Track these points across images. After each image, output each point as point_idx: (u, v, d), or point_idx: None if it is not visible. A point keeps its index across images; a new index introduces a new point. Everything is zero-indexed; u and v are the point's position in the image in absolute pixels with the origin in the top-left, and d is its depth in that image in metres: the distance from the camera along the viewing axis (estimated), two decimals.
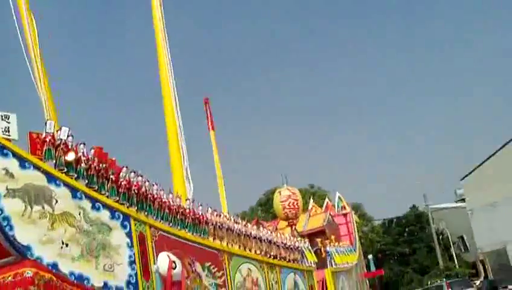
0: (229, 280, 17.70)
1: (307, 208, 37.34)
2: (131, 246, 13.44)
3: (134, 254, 13.45)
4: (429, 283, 42.55)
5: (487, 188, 46.48)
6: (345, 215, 38.31)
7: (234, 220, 20.04)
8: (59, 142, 12.63)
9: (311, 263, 24.83)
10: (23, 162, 11.24)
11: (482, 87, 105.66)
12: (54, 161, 12.32)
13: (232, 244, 18.86)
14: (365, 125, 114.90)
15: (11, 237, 10.52)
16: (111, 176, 13.72)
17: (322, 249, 28.21)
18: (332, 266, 27.51)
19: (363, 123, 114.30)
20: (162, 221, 15.28)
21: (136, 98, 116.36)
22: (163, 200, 15.67)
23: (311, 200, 41.91)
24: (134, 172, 14.66)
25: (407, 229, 61.54)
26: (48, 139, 12.40)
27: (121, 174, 14.11)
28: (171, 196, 16.36)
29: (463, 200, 56.11)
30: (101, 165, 13.48)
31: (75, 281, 11.43)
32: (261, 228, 22.56)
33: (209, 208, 18.42)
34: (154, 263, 13.99)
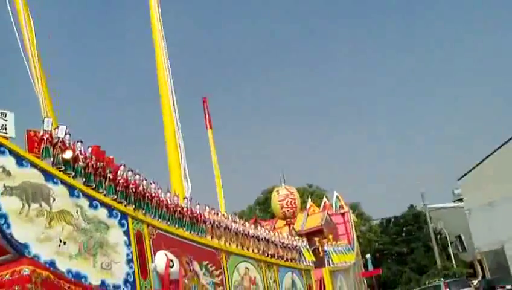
0: (226, 279, 17.72)
1: (305, 207, 37.35)
2: (128, 245, 13.46)
3: (131, 252, 13.47)
4: (427, 282, 42.54)
5: (485, 188, 46.50)
6: (342, 214, 38.30)
7: (232, 219, 20.05)
8: (56, 140, 12.63)
9: (309, 262, 24.86)
10: (20, 160, 11.24)
11: (480, 87, 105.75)
12: (52, 159, 12.32)
13: (229, 243, 18.88)
14: (363, 125, 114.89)
15: (8, 235, 10.52)
16: (108, 175, 13.73)
17: (320, 248, 28.21)
18: (330, 265, 27.51)
19: (361, 123, 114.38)
20: (159, 219, 15.30)
21: (135, 98, 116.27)
22: (161, 198, 15.69)
23: (309, 200, 41.91)
24: (132, 170, 14.68)
25: (405, 229, 61.58)
26: (45, 137, 12.41)
27: (118, 172, 14.12)
28: (168, 194, 16.38)
29: (461, 199, 56.12)
30: (98, 163, 13.49)
31: (72, 279, 11.44)
32: (259, 227, 22.57)
33: (207, 207, 18.44)
34: (152, 262, 14.02)
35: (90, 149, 13.56)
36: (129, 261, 13.31)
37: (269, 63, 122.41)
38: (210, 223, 17.99)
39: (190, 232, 16.64)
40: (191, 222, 16.87)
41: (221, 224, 18.67)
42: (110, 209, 13.25)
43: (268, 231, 22.69)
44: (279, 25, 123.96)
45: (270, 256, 21.35)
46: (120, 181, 14.02)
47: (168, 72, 21.87)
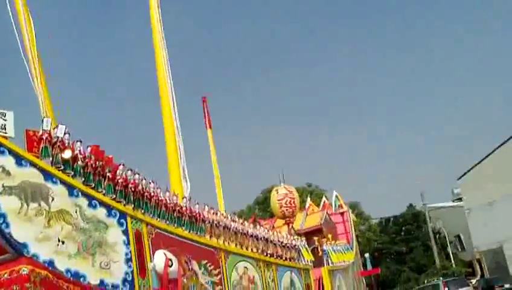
0: (225, 278, 17.75)
1: (304, 207, 37.38)
2: (127, 244, 13.49)
3: (130, 251, 13.50)
4: (426, 281, 42.52)
5: (484, 187, 46.55)
6: (342, 214, 38.30)
7: (231, 218, 20.08)
8: (56, 139, 12.65)
9: (307, 261, 24.89)
10: (19, 159, 11.26)
11: (480, 87, 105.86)
12: (51, 159, 12.34)
13: (228, 243, 18.91)
14: (363, 125, 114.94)
15: (7, 234, 10.54)
16: (108, 174, 13.76)
17: (319, 247, 28.22)
18: (329, 264, 27.53)
19: (361, 123, 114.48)
20: (158, 219, 15.33)
21: (135, 98, 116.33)
22: (160, 198, 15.71)
23: (309, 199, 41.94)
24: (131, 170, 14.71)
25: (404, 228, 61.63)
26: (44, 137, 12.43)
27: (117, 172, 14.15)
28: (167, 194, 16.40)
29: (460, 199, 56.21)
30: (97, 162, 13.51)
31: (71, 279, 11.47)
32: (258, 226, 22.59)
33: (206, 206, 18.46)
34: (151, 261, 14.05)
35: (89, 149, 13.58)
36: (128, 260, 13.34)
37: (269, 62, 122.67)
38: (209, 222, 18.01)
39: (189, 232, 16.67)
40: (190, 221, 16.90)
41: (220, 223, 18.70)
42: (109, 208, 13.28)
43: (267, 231, 22.71)
44: (279, 25, 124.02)
45: (269, 255, 21.38)
46: (119, 180, 14.05)
47: (167, 72, 21.90)
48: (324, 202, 39.72)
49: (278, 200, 30.31)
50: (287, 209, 30.06)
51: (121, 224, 13.48)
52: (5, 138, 11.19)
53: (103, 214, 13.04)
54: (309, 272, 24.58)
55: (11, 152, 11.14)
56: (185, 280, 15.08)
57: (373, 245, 60.61)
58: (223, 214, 19.73)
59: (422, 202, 57.83)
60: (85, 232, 12.28)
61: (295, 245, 24.06)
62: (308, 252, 25.34)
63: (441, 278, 40.37)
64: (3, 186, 10.72)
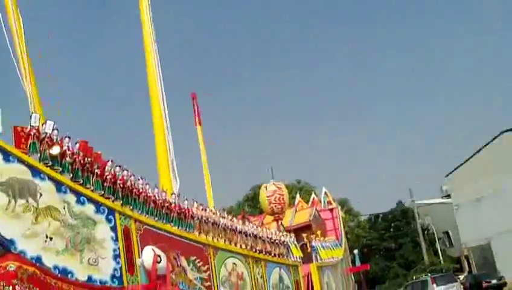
0: (214, 274, 17.77)
1: (294, 203, 37.50)
2: (116, 240, 13.48)
3: (119, 247, 13.48)
4: (414, 277, 42.77)
5: (472, 184, 46.88)
6: (331, 210, 38.50)
7: (220, 214, 20.09)
8: (44, 135, 12.61)
9: (296, 257, 24.96)
10: (7, 155, 11.21)
11: (466, 86, 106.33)
12: (39, 155, 12.31)
13: (217, 239, 18.93)
14: (352, 123, 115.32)
15: None
16: (96, 170, 13.74)
17: (308, 244, 28.34)
18: (317, 261, 27.66)
19: (351, 120, 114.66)
20: (147, 215, 15.32)
21: (125, 95, 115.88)
22: (149, 194, 15.70)
23: (298, 196, 42.06)
24: (120, 166, 14.69)
25: (393, 225, 61.91)
26: (32, 133, 12.39)
27: (106, 168, 14.13)
28: (156, 190, 16.40)
29: (448, 196, 56.53)
30: (86, 159, 13.48)
31: (59, 275, 11.43)
32: (247, 223, 22.63)
33: (195, 203, 18.48)
34: (139, 257, 14.04)
35: (77, 145, 13.55)
36: (116, 256, 13.33)
37: (262, 60, 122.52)
38: (198, 218, 18.02)
39: (178, 228, 16.68)
40: (179, 218, 16.90)
41: (209, 219, 18.71)
42: (98, 205, 13.25)
43: (256, 227, 22.76)
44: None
45: (257, 252, 21.42)
46: (107, 177, 14.03)
47: (157, 70, 21.85)
48: (313, 199, 39.90)
49: (267, 196, 30.33)
50: (276, 206, 30.09)
51: (109, 220, 13.47)
52: None
53: (91, 210, 13.01)
54: (298, 269, 24.65)
55: None
56: (173, 276, 15.10)
57: (362, 241, 60.89)
58: (211, 211, 19.73)
59: (411, 199, 58.12)
60: (73, 228, 12.25)
61: (284, 241, 24.12)
62: (297, 248, 25.41)
63: (429, 274, 40.56)
64: None
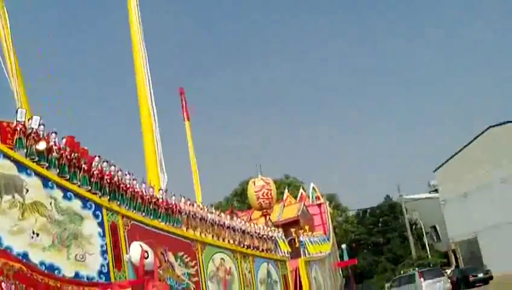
0: (201, 270, 17.75)
1: (282, 198, 37.52)
2: (103, 236, 13.41)
3: (106, 243, 13.41)
4: (402, 272, 43.09)
5: (459, 179, 47.23)
6: (319, 205, 38.54)
7: (207, 209, 20.07)
8: (30, 131, 12.52)
9: (284, 252, 24.99)
10: None
11: (453, 80, 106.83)
12: (25, 150, 12.22)
13: (205, 234, 18.89)
14: (340, 117, 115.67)
15: None
16: (83, 166, 13.65)
17: (296, 239, 28.37)
18: (305, 255, 27.69)
19: (337, 115, 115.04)
20: (134, 211, 15.25)
21: (112, 90, 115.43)
22: (136, 190, 15.63)
23: (286, 191, 42.09)
24: (107, 162, 14.62)
25: (381, 220, 62.26)
26: (18, 128, 12.29)
27: (93, 163, 14.05)
28: (144, 185, 16.34)
29: (436, 190, 56.92)
30: (72, 154, 13.39)
31: (45, 271, 11.37)
32: (235, 218, 22.62)
33: (183, 198, 18.44)
34: (127, 253, 14.00)
35: (64, 140, 13.47)
36: (103, 252, 13.27)
37: (248, 52, 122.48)
38: (185, 214, 17.97)
39: (165, 223, 16.62)
40: (166, 213, 16.85)
41: (197, 215, 18.67)
42: (85, 200, 13.18)
43: (244, 222, 22.75)
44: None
45: (245, 247, 21.41)
46: (94, 172, 13.95)
47: (145, 64, 21.75)
48: (301, 194, 39.92)
49: (255, 191, 30.31)
50: (264, 201, 30.09)
51: (96, 216, 13.40)
52: None
53: (78, 206, 12.94)
54: (286, 264, 24.67)
55: None
56: (161, 271, 15.09)
57: (350, 236, 61.12)
58: (199, 206, 19.69)
59: (399, 194, 58.48)
60: (60, 224, 12.17)
61: (272, 237, 24.14)
62: (285, 243, 25.44)
63: (417, 268, 40.86)
64: None
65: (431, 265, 46.84)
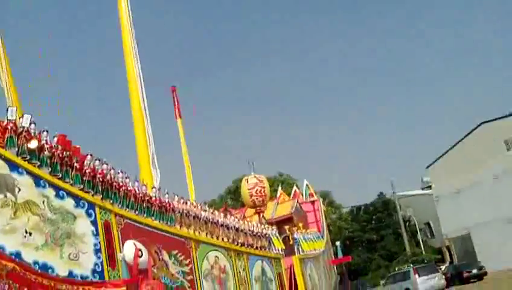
0: (196, 268, 17.69)
1: (276, 196, 37.54)
2: (96, 235, 13.33)
3: (99, 242, 13.34)
4: (396, 269, 43.13)
5: (453, 175, 47.29)
6: (312, 202, 38.61)
7: (201, 207, 20.01)
8: (21, 129, 12.42)
9: (279, 250, 24.96)
10: None
11: (447, 77, 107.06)
12: (17, 149, 12.11)
13: (199, 232, 18.84)
14: (333, 115, 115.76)
15: None
16: (75, 164, 13.56)
17: (290, 236, 28.36)
18: (300, 253, 27.68)
19: (331, 112, 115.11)
20: (127, 209, 15.17)
21: (104, 87, 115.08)
22: (129, 188, 15.55)
23: (280, 188, 42.12)
24: (99, 160, 14.53)
25: (374, 217, 62.30)
26: (9, 127, 12.17)
27: (85, 162, 13.96)
28: (137, 184, 16.26)
29: (429, 187, 56.99)
30: (64, 153, 13.31)
31: (39, 271, 11.27)
32: (229, 216, 22.57)
33: (176, 196, 18.37)
34: (120, 252, 13.93)
35: (56, 139, 13.38)
36: (97, 251, 13.19)
37: (243, 52, 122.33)
38: (179, 212, 17.91)
39: (159, 222, 16.56)
40: (160, 211, 16.78)
41: (191, 213, 18.61)
42: (77, 199, 13.09)
43: (238, 220, 22.71)
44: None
45: (240, 245, 21.37)
46: (87, 171, 13.86)
47: (136, 61, 21.68)
48: (295, 191, 39.98)
49: (248, 189, 30.31)
50: (257, 199, 30.09)
51: (89, 215, 13.32)
52: None
53: (71, 204, 12.85)
54: (280, 261, 24.66)
55: None
56: (155, 270, 15.02)
57: (344, 233, 61.19)
58: (193, 204, 19.64)
59: (392, 191, 58.52)
60: (53, 223, 12.08)
61: (266, 234, 24.10)
62: (279, 241, 25.42)
63: (412, 265, 40.93)
64: None
65: (425, 261, 46.86)
